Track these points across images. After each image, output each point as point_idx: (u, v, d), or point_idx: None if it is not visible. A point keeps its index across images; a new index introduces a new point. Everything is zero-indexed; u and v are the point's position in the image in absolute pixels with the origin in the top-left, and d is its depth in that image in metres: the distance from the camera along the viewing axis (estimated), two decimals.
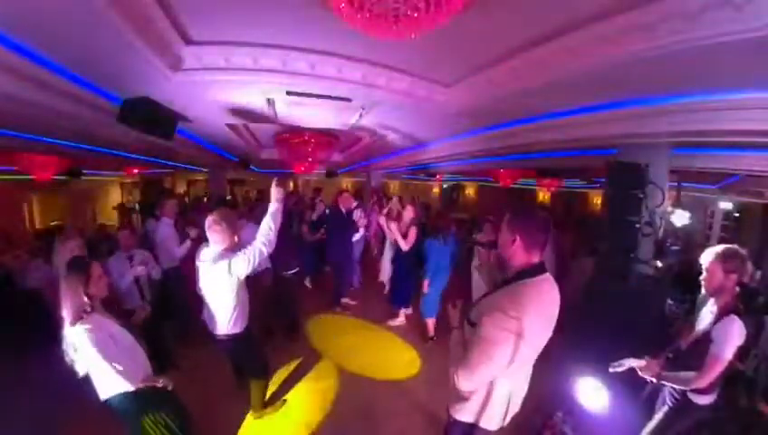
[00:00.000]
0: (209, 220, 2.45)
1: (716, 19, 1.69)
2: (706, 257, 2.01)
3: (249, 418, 3.07)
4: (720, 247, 2.02)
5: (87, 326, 1.77)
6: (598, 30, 2.04)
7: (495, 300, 1.51)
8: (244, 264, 2.40)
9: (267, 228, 2.48)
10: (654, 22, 1.84)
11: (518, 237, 1.53)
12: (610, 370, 2.15)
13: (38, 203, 9.48)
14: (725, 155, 4.24)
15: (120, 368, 1.83)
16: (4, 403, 3.10)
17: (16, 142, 5.04)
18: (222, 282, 2.46)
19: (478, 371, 1.45)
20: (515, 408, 1.74)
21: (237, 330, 2.67)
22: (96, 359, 1.77)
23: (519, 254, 1.55)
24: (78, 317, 1.80)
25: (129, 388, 1.90)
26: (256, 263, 2.46)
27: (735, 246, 2.02)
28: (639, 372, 2.12)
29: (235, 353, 2.90)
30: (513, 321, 1.38)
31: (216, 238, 2.46)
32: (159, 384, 2.03)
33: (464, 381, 1.49)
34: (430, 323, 4.55)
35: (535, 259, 1.56)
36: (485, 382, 1.56)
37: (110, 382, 1.89)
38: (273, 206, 2.53)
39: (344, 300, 5.44)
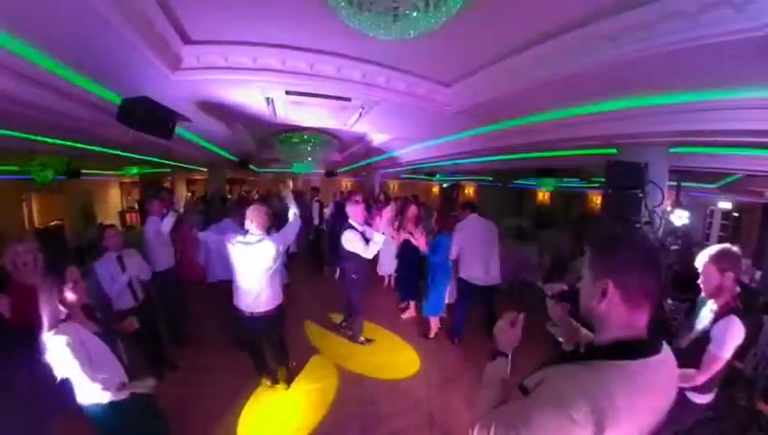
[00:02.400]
0: (251, 211, 3.02)
1: (716, 19, 1.69)
2: (700, 260, 2.03)
3: (248, 415, 3.08)
4: (712, 248, 2.03)
5: (60, 335, 1.74)
6: (597, 29, 2.04)
7: (560, 381, 0.91)
8: (292, 236, 3.24)
9: (293, 219, 3.23)
10: (653, 21, 1.84)
11: (610, 284, 0.93)
12: None
13: (37, 203, 9.46)
14: (725, 155, 4.24)
15: (95, 377, 1.79)
16: (4, 403, 3.09)
17: (16, 142, 5.04)
18: (272, 255, 2.96)
19: None
20: None
21: (280, 299, 3.20)
22: (71, 367, 1.74)
23: (615, 312, 0.94)
24: (53, 324, 1.76)
25: (106, 398, 1.87)
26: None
27: (727, 245, 2.03)
28: None
29: (278, 324, 3.32)
30: (572, 429, 0.82)
31: (257, 223, 2.98)
32: (141, 390, 1.98)
33: None
34: (434, 321, 4.54)
35: (642, 320, 0.94)
36: None
37: (86, 390, 1.86)
38: (293, 210, 3.24)
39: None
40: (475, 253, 4.18)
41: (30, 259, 2.47)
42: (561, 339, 1.47)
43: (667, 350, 0.98)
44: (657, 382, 0.93)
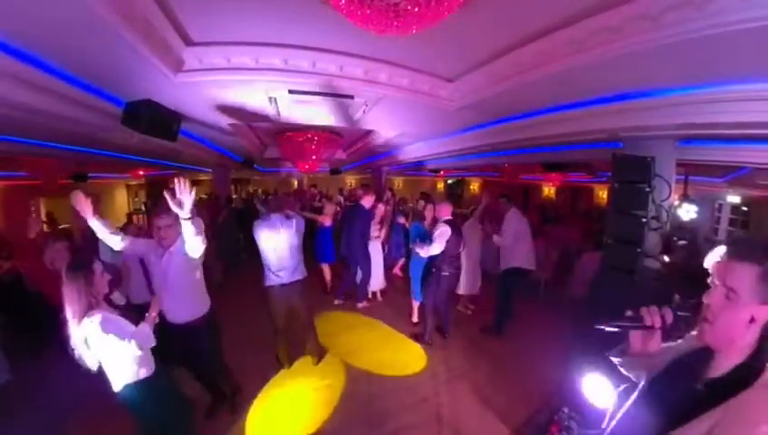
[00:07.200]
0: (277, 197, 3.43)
1: (724, 7, 1.66)
2: (707, 262, 2.03)
3: (256, 412, 3.10)
4: (716, 250, 2.03)
5: (95, 317, 1.85)
6: (602, 21, 2.01)
7: None
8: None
9: None
10: (659, 11, 1.81)
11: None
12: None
13: (46, 207, 9.59)
14: (734, 147, 4.17)
15: (137, 339, 1.90)
16: (21, 401, 3.15)
17: (23, 148, 5.09)
18: (293, 233, 3.40)
19: None
20: None
21: (305, 273, 3.57)
22: (113, 342, 1.84)
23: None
24: (84, 312, 1.88)
25: (139, 373, 2.02)
26: None
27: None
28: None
29: (304, 291, 3.60)
30: None
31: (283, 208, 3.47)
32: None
33: None
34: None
35: None
36: None
37: (124, 369, 1.99)
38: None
39: (361, 305, 5.43)
40: (525, 241, 4.59)
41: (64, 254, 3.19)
42: None
43: None
44: None
